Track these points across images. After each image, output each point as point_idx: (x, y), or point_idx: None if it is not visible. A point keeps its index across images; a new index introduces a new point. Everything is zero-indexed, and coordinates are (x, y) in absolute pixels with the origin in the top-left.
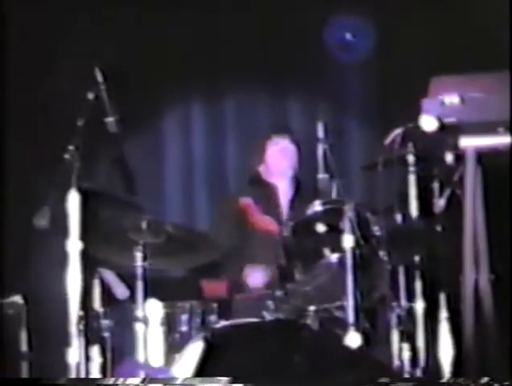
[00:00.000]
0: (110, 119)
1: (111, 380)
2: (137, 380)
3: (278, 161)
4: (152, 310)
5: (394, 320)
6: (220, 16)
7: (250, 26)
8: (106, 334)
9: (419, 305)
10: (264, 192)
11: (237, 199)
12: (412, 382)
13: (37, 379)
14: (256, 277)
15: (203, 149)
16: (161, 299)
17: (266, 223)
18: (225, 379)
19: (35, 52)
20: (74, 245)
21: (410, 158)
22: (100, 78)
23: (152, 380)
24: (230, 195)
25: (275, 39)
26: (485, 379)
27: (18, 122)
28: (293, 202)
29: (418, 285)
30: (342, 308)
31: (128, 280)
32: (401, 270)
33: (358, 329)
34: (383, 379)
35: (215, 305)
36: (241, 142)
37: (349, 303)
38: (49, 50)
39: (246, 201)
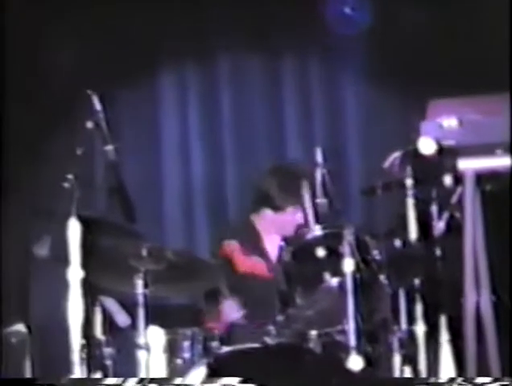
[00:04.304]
0: (109, 147)
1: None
2: None
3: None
4: (154, 337)
5: (395, 343)
6: None
7: None
8: (108, 362)
9: (420, 328)
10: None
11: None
12: None
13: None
14: (231, 309)
15: (202, 175)
16: (162, 326)
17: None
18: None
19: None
20: (75, 273)
21: (409, 182)
22: (98, 106)
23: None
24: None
25: None
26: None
27: (17, 150)
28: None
29: (418, 308)
30: (343, 332)
31: (129, 307)
32: (401, 293)
33: (360, 352)
34: None
35: (216, 331)
36: (241, 167)
37: (350, 327)
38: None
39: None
